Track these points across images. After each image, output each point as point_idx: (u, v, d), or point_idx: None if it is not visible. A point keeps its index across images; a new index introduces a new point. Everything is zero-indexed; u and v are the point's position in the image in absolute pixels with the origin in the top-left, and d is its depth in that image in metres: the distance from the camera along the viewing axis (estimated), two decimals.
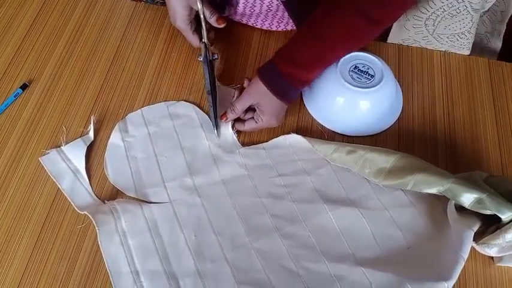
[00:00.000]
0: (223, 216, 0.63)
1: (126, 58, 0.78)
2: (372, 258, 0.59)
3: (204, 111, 0.73)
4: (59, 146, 0.68)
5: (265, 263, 0.60)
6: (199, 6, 0.66)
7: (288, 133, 0.69)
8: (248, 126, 0.69)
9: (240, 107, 0.67)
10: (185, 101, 0.74)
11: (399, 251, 0.60)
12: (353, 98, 0.67)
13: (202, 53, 0.69)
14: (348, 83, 0.67)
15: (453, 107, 0.73)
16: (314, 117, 0.72)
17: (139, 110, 0.73)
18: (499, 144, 0.69)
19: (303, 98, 0.74)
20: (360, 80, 0.67)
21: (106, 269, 0.59)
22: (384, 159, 0.62)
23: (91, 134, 0.69)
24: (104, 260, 0.59)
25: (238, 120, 0.69)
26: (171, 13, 0.70)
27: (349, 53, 0.67)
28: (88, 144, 0.68)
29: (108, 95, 0.74)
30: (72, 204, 0.63)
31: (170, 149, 0.69)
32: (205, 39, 0.70)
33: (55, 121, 0.72)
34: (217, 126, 0.69)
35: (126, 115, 0.72)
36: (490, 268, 0.60)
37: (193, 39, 0.72)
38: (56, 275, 0.59)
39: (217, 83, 0.72)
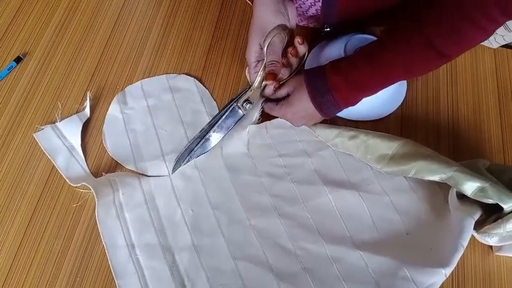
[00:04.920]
0: (221, 191, 0.63)
1: (124, 32, 0.76)
2: (369, 241, 0.59)
3: (205, 86, 0.71)
4: (54, 122, 0.67)
5: (262, 240, 0.60)
6: (264, 50, 0.59)
7: None
8: (268, 106, 0.65)
9: (282, 90, 0.63)
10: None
11: (397, 236, 0.60)
12: None
13: (237, 93, 0.64)
14: None
15: (457, 94, 0.72)
16: None
17: (138, 82, 0.71)
18: (502, 133, 0.69)
19: None
20: None
21: (102, 248, 0.58)
22: (386, 146, 0.61)
23: (87, 110, 0.68)
24: (100, 232, 0.59)
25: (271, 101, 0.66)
26: (247, 45, 0.63)
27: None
28: (84, 121, 0.67)
29: (106, 71, 0.72)
30: (67, 181, 0.62)
31: (170, 122, 0.68)
32: (253, 85, 0.62)
33: (50, 96, 0.70)
34: (176, 164, 0.64)
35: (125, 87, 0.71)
36: (488, 257, 0.60)
37: (250, 77, 0.64)
38: (51, 253, 0.59)
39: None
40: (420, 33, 0.53)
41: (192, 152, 0.64)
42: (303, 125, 0.65)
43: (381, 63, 0.56)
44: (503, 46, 0.75)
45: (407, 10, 0.55)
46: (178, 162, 0.64)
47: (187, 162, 0.65)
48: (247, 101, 0.63)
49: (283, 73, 0.63)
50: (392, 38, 0.55)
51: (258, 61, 0.62)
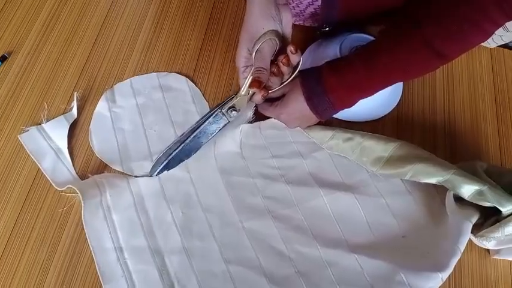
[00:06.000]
0: (212, 193, 0.62)
1: (114, 29, 0.74)
2: (365, 244, 0.58)
3: (196, 86, 0.70)
4: (40, 124, 0.65)
5: (255, 242, 0.59)
6: (252, 56, 0.57)
7: None
8: (261, 106, 0.63)
9: (279, 90, 0.61)
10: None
11: (393, 239, 0.59)
12: None
13: (224, 99, 0.61)
14: None
15: (453, 94, 0.71)
16: None
17: (128, 79, 0.70)
18: (499, 134, 0.68)
19: None
20: None
21: (89, 255, 0.57)
22: (382, 148, 0.60)
23: (74, 111, 0.66)
24: (87, 235, 0.57)
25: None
26: (236, 49, 0.60)
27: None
28: (71, 122, 0.65)
29: (94, 70, 0.71)
30: (53, 185, 0.61)
31: (159, 122, 0.67)
32: (240, 91, 0.59)
33: (36, 96, 0.68)
34: (153, 168, 0.63)
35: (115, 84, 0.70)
36: (485, 261, 0.59)
37: (240, 83, 0.61)
38: (36, 261, 0.57)
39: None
40: (419, 34, 0.52)
41: (170, 157, 0.62)
42: (297, 126, 0.63)
43: (379, 64, 0.54)
44: (500, 46, 0.75)
45: (406, 11, 0.54)
46: (156, 166, 0.63)
47: (165, 167, 0.63)
48: (232, 108, 0.60)
49: (273, 82, 0.60)
50: (390, 39, 0.54)
51: (247, 66, 0.59)
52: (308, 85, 0.57)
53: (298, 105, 0.59)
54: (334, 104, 0.57)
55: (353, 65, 0.55)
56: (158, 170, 0.62)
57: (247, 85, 0.59)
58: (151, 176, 0.63)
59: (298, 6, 0.69)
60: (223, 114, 0.61)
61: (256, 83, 0.57)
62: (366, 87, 0.56)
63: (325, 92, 0.56)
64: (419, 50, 0.52)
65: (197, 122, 0.63)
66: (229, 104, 0.60)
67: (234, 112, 0.60)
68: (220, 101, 0.62)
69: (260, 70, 0.57)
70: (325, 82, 0.56)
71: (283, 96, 0.61)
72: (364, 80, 0.55)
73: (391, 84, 0.58)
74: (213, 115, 0.61)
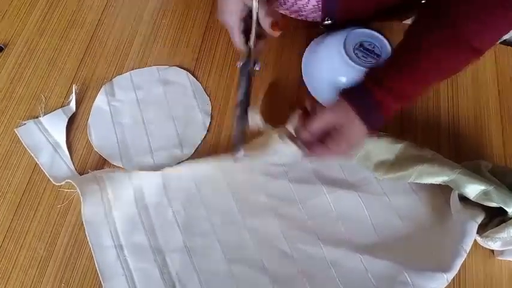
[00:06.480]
0: (214, 190, 0.61)
1: (113, 21, 0.73)
2: (369, 244, 0.58)
3: (197, 80, 0.69)
4: (37, 117, 0.64)
5: (257, 241, 0.58)
6: (254, 3, 0.54)
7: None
8: (320, 151, 0.56)
9: (317, 124, 0.55)
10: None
11: (397, 239, 0.58)
12: (356, 77, 0.64)
13: (243, 59, 0.58)
14: (352, 61, 0.63)
15: (457, 93, 0.70)
16: (313, 95, 0.68)
17: (127, 72, 0.69)
18: (502, 133, 0.68)
19: (303, 75, 0.70)
20: (365, 59, 0.64)
21: (88, 252, 0.56)
22: (386, 150, 0.60)
23: (73, 104, 0.65)
24: (86, 232, 0.57)
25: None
26: (219, 5, 0.57)
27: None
28: (69, 115, 0.64)
29: (92, 62, 0.70)
30: (51, 180, 0.60)
31: (160, 117, 0.66)
32: (251, 43, 0.57)
33: (33, 89, 0.67)
34: (237, 146, 0.59)
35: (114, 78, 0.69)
36: (490, 261, 0.58)
37: (238, 40, 0.58)
38: (34, 258, 0.57)
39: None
40: (455, 32, 0.51)
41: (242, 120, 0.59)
42: (353, 153, 0.61)
43: (420, 69, 0.54)
44: (501, 43, 0.74)
45: (432, 7, 0.53)
46: (237, 145, 0.59)
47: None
48: (255, 62, 0.58)
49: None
50: (425, 41, 0.53)
51: (242, 19, 0.56)
52: (361, 107, 0.54)
53: (358, 131, 0.55)
54: (386, 117, 0.55)
55: (396, 73, 0.54)
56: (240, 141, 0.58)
57: (254, 37, 0.56)
58: (237, 151, 0.58)
59: (301, 0, 0.68)
60: (252, 71, 0.59)
61: (277, 25, 0.54)
62: (411, 93, 0.55)
63: (380, 110, 0.54)
64: (456, 49, 0.52)
65: (240, 88, 0.59)
66: (253, 60, 0.58)
67: (258, 64, 0.59)
68: (241, 66, 0.59)
69: (271, 13, 0.54)
70: (376, 97, 0.54)
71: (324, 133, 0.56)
72: (408, 88, 0.54)
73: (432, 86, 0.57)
74: (246, 75, 0.58)
